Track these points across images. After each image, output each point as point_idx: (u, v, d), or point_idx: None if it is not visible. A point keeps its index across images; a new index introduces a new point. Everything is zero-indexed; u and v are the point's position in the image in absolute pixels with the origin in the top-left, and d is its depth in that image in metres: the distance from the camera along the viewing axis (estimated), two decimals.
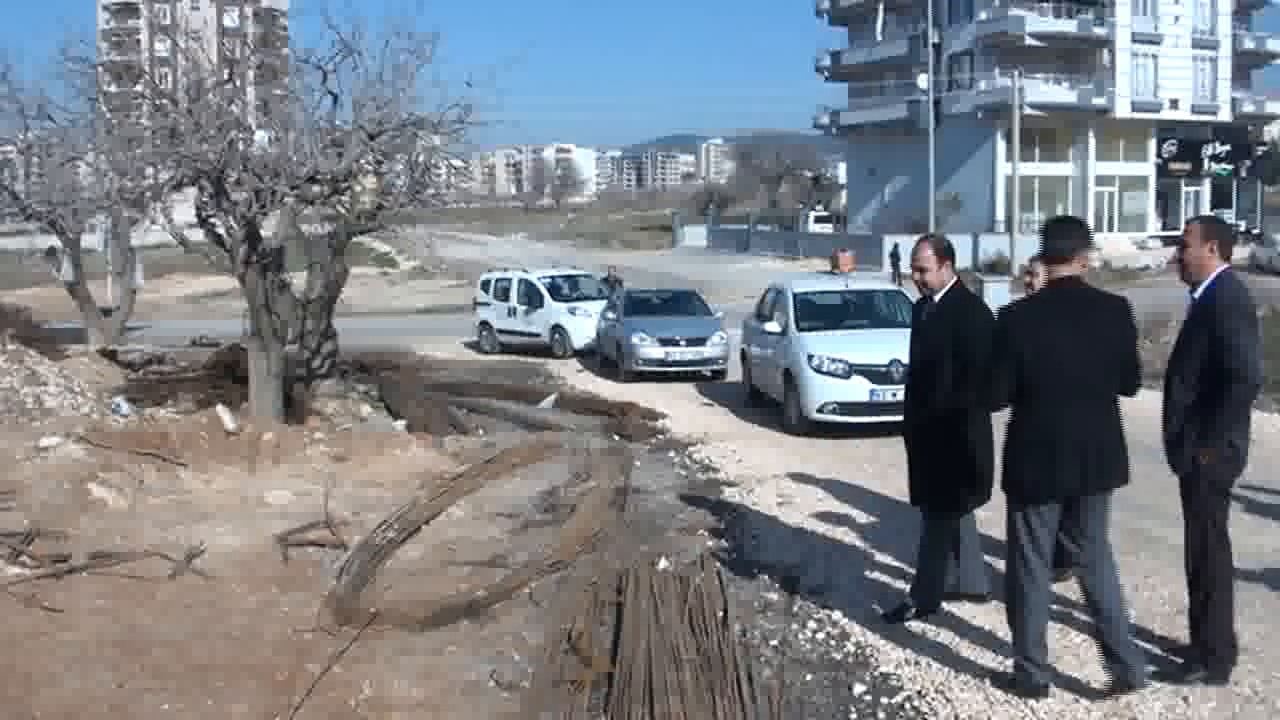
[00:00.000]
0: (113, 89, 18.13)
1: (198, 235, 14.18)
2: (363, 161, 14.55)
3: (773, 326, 15.23)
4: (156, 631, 6.46)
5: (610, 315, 22.32)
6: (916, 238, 7.58)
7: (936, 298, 6.68)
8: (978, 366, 5.80)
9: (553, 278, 27.33)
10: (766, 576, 7.59)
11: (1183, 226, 6.02)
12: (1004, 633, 5.84)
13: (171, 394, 15.78)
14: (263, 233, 13.81)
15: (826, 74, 70.76)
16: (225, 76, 13.87)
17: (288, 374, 14.31)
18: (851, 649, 6.31)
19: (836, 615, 6.83)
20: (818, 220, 71.83)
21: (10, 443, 11.35)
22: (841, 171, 79.16)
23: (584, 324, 24.23)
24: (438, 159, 17.33)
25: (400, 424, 14.60)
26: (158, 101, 14.31)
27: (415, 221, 17.91)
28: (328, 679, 5.72)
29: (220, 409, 11.73)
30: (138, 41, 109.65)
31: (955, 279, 6.72)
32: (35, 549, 7.87)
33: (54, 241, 22.51)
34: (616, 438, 13.77)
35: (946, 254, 6.67)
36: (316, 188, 13.99)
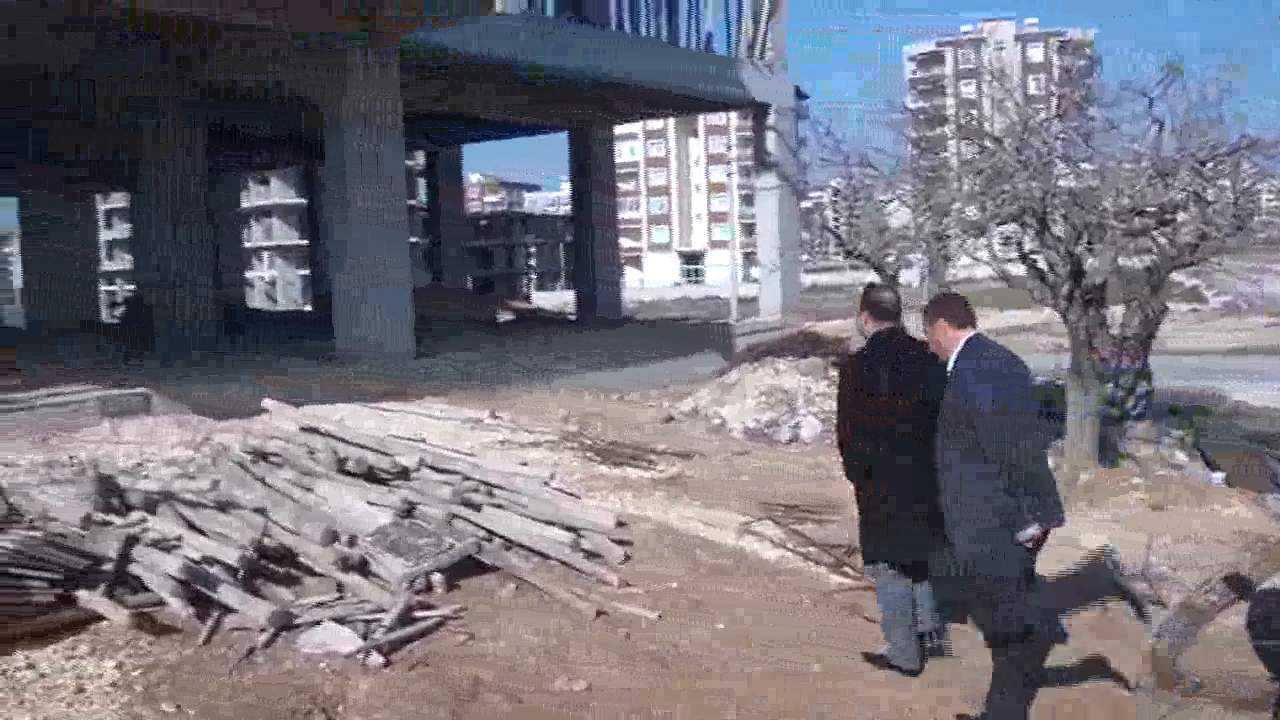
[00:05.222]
0: (925, 134, 19.09)
1: (1015, 269, 14.42)
2: (1186, 190, 13.80)
3: None
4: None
5: None
6: None
7: None
8: None
9: None
10: None
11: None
12: None
13: None
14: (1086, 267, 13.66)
15: None
16: (1055, 111, 13.95)
17: (1103, 414, 13.98)
18: None
19: None
20: None
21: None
22: None
23: None
24: (1265, 184, 15.93)
25: (1219, 476, 13.57)
26: (983, 144, 14.77)
27: (1236, 253, 16.54)
28: None
29: None
30: (943, 88, 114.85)
31: None
32: (855, 561, 8.48)
33: (873, 278, 24.25)
34: None
35: None
36: (1139, 220, 13.52)
